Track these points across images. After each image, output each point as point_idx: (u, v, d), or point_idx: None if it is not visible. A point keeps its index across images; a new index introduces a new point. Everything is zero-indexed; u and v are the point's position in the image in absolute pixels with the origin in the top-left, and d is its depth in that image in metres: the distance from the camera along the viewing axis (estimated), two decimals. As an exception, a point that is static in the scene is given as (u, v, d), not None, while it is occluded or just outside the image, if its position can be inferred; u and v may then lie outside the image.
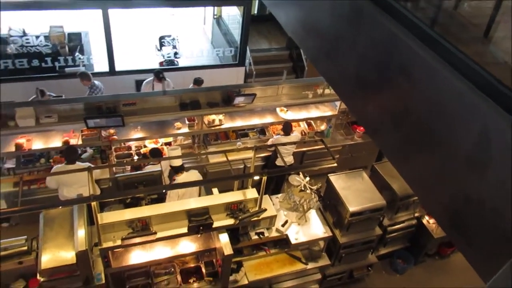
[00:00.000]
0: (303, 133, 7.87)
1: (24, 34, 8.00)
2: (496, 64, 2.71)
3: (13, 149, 6.05)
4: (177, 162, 5.67)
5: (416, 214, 6.75)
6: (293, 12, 4.29)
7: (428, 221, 6.79)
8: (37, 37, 7.80)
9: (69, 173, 5.41)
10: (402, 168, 3.03)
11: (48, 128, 6.13)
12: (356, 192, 5.89)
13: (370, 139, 8.04)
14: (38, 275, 4.30)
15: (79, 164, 5.75)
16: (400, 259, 6.96)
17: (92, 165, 5.88)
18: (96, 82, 7.40)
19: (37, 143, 6.20)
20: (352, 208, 5.66)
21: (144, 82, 7.66)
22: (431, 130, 2.51)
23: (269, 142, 7.05)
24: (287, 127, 6.92)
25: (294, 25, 4.40)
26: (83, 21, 8.87)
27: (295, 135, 7.12)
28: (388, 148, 3.15)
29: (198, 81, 7.48)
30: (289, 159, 7.08)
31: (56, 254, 4.30)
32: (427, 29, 2.60)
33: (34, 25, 8.29)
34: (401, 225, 6.66)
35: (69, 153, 5.75)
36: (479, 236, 2.25)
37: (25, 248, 4.64)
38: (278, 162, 6.99)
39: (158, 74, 7.39)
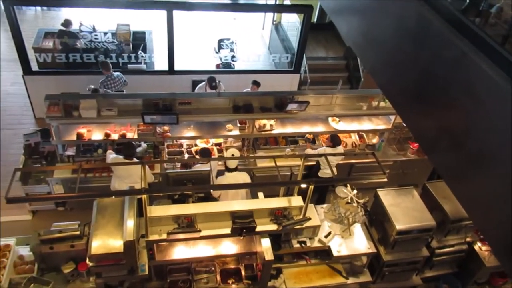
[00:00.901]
0: (354, 145, 7.73)
1: (94, 30, 8.47)
2: None
3: (74, 137, 6.41)
4: (233, 164, 5.82)
5: (468, 239, 6.41)
6: (355, 23, 4.24)
7: (481, 248, 6.43)
8: (105, 33, 8.23)
9: (123, 166, 5.66)
10: (458, 190, 2.91)
11: (108, 121, 6.44)
12: (404, 209, 5.71)
13: (423, 156, 7.79)
14: (87, 259, 4.51)
15: (135, 160, 6.00)
16: (447, 284, 6.64)
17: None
18: (116, 74, 7.58)
19: (97, 134, 6.53)
20: (399, 226, 5.49)
21: (198, 86, 7.80)
22: (493, 153, 2.40)
23: (311, 152, 6.97)
24: (335, 139, 6.83)
25: (355, 35, 4.35)
26: (148, 21, 9.27)
27: (339, 148, 7.01)
28: (444, 168, 3.04)
29: (256, 82, 7.56)
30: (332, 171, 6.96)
31: (105, 241, 4.50)
32: (496, 46, 2.49)
33: (103, 22, 8.77)
34: (451, 248, 6.35)
35: (128, 148, 6.01)
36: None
37: (78, 232, 4.91)
38: (321, 173, 6.92)
39: (211, 82, 7.45)
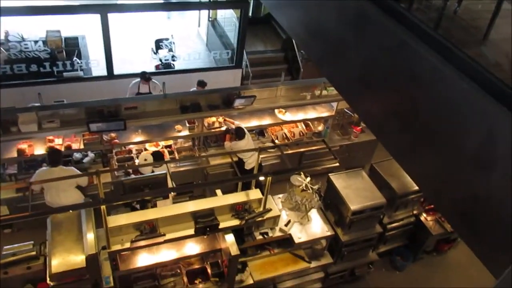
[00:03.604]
0: (301, 134, 7.96)
1: (23, 39, 7.99)
2: (495, 66, 2.84)
3: (15, 154, 6.06)
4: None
5: (415, 212, 6.88)
6: (297, 15, 4.36)
7: (426, 218, 6.93)
8: (36, 42, 7.77)
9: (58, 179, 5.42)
10: (409, 167, 3.13)
11: (50, 133, 6.14)
12: (356, 191, 6.00)
13: (366, 139, 8.20)
14: (48, 279, 4.35)
15: (62, 168, 5.75)
16: (400, 256, 7.08)
17: (76, 169, 5.96)
18: None
19: (39, 149, 6.22)
20: (353, 206, 5.77)
21: (131, 83, 7.61)
22: (438, 130, 2.62)
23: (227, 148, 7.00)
24: (238, 131, 6.81)
25: (297, 28, 4.48)
26: (79, 26, 8.89)
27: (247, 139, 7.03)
28: (394, 148, 3.25)
29: (201, 83, 7.54)
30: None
31: (65, 258, 4.35)
32: (430, 31, 2.71)
33: (31, 30, 8.29)
34: (400, 222, 6.79)
35: (52, 156, 5.75)
36: (488, 232, 2.35)
37: (34, 253, 4.70)
38: (246, 165, 7.02)
39: (144, 75, 7.41)
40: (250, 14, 10.84)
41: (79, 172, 5.86)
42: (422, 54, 2.61)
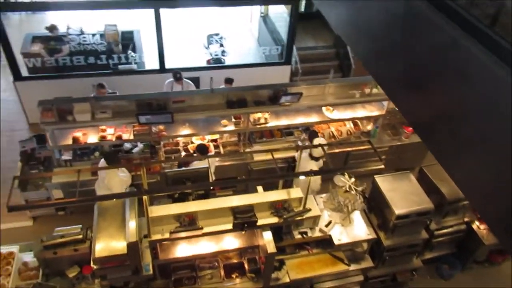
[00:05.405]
0: (349, 133, 7.77)
1: (82, 32, 8.41)
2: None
3: (70, 142, 6.41)
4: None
5: (466, 219, 6.52)
6: (343, 12, 4.25)
7: (479, 227, 6.54)
8: (93, 35, 8.18)
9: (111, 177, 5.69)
10: (454, 173, 2.96)
11: (102, 123, 6.43)
12: (402, 194, 5.78)
13: (417, 140, 7.85)
14: (91, 262, 4.55)
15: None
16: (447, 265, 6.75)
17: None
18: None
19: (92, 137, 6.52)
20: (398, 210, 5.56)
21: (165, 82, 7.77)
22: (487, 135, 2.44)
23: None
24: (312, 134, 6.83)
25: (344, 25, 4.36)
26: (135, 20, 9.20)
27: (320, 139, 6.95)
28: (440, 152, 3.08)
29: (229, 80, 7.58)
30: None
31: (108, 244, 4.54)
32: (485, 29, 2.52)
33: (90, 24, 8.70)
34: (449, 229, 6.47)
35: (109, 158, 5.93)
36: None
37: (80, 236, 4.93)
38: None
39: (176, 75, 7.51)
40: (302, 9, 10.75)
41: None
42: (476, 54, 2.44)
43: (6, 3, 8.17)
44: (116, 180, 5.80)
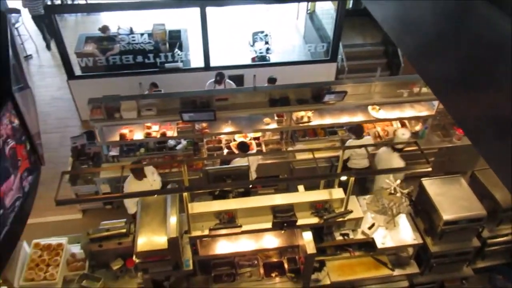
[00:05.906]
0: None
1: (131, 32, 8.67)
2: None
3: (117, 138, 6.62)
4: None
5: (523, 228, 6.10)
6: (391, 8, 4.09)
7: (537, 237, 6.10)
8: (142, 34, 8.40)
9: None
10: (507, 180, 2.75)
11: (148, 120, 6.59)
12: (452, 199, 5.49)
13: (470, 142, 7.41)
14: (134, 256, 4.66)
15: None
16: (501, 275, 6.34)
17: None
18: None
19: (138, 134, 6.71)
20: (446, 216, 5.29)
21: (207, 83, 7.80)
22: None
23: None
24: (356, 130, 6.66)
25: (391, 21, 4.19)
26: (181, 19, 9.37)
27: (367, 138, 6.82)
28: (491, 156, 2.88)
29: (272, 80, 7.50)
30: (364, 162, 6.78)
31: (150, 239, 4.63)
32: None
33: (139, 24, 8.96)
34: (504, 238, 6.06)
35: (137, 172, 5.90)
36: None
37: (124, 230, 5.08)
38: (350, 164, 6.78)
39: (216, 77, 7.52)
40: (350, 6, 10.50)
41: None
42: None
43: (62, 5, 8.58)
44: (142, 187, 5.86)
